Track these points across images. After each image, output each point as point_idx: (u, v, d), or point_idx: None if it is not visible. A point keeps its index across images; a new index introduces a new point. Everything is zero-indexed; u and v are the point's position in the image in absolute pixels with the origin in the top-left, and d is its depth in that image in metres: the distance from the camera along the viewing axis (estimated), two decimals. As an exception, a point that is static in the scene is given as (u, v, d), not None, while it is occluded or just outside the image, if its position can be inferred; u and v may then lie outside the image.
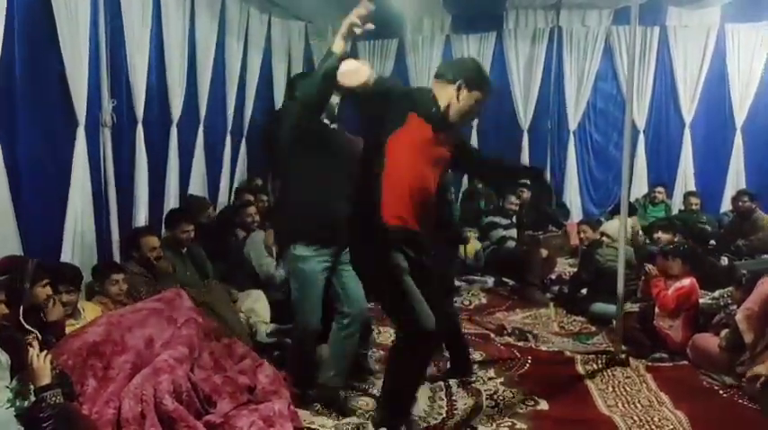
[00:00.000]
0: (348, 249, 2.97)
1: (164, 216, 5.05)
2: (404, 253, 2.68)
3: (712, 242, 5.99)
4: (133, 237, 4.28)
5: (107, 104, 4.31)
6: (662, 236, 5.49)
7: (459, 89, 2.68)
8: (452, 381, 3.74)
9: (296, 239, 3.17)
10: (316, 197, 3.12)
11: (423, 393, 3.44)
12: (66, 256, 3.89)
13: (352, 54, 8.09)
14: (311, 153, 3.12)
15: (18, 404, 2.35)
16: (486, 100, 2.78)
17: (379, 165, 2.63)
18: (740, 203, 6.24)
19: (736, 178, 7.43)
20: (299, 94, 3.06)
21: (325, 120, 3.17)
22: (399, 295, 2.64)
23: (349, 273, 3.09)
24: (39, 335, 2.81)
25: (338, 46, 2.69)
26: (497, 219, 6.54)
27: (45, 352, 2.51)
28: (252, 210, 5.41)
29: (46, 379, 2.43)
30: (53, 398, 2.39)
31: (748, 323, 3.60)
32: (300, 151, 3.14)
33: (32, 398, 2.38)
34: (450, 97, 2.69)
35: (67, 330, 3.14)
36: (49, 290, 3.01)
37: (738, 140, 7.45)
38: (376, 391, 3.49)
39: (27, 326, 2.78)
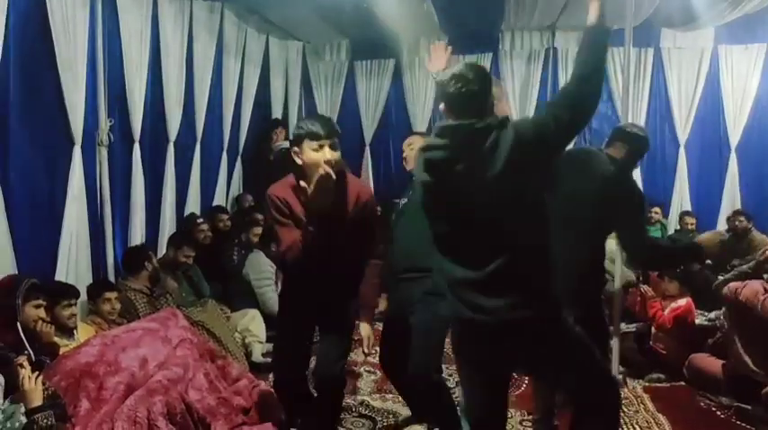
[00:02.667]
0: None
1: (160, 234, 5.06)
2: None
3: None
4: (146, 252, 4.28)
5: (104, 124, 4.32)
6: None
7: None
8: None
9: None
10: None
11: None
12: (60, 275, 3.87)
13: (350, 74, 8.17)
14: None
15: (9, 426, 2.33)
16: None
17: None
18: (736, 223, 6.24)
19: (731, 198, 7.42)
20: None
21: None
22: None
23: None
24: (32, 355, 2.79)
25: None
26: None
27: (37, 373, 2.49)
28: (258, 230, 5.42)
29: (37, 400, 2.41)
30: (45, 420, 2.37)
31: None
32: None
33: (24, 420, 2.36)
34: None
35: (61, 351, 3.11)
36: (42, 312, 3.00)
37: (733, 160, 7.46)
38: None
39: (26, 344, 2.77)
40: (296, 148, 2.72)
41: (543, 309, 2.11)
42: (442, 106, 2.20)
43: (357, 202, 2.75)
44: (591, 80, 2.10)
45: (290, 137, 7.48)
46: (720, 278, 4.01)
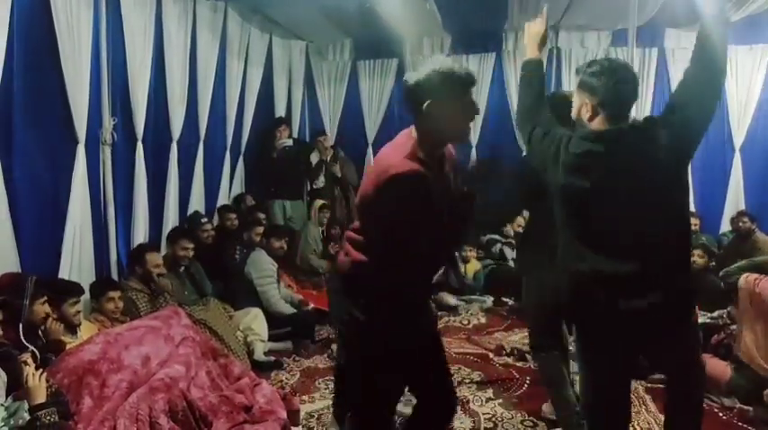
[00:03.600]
0: None
1: (163, 233, 5.08)
2: None
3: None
4: (138, 253, 4.30)
5: (108, 122, 4.34)
6: None
7: None
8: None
9: None
10: None
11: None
12: (64, 273, 3.88)
13: (353, 73, 8.14)
14: None
15: (13, 423, 2.34)
16: None
17: None
18: (740, 224, 6.24)
19: (735, 199, 7.41)
20: None
21: None
22: None
23: None
24: (37, 353, 2.81)
25: None
26: (497, 237, 7.02)
27: (41, 370, 2.51)
28: (260, 229, 5.45)
29: (41, 397, 2.42)
30: (48, 417, 2.38)
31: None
32: None
33: (27, 417, 2.37)
34: None
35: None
36: (47, 308, 3.02)
37: (737, 161, 7.44)
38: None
39: (27, 344, 2.79)
40: (431, 102, 2.08)
41: (684, 297, 2.24)
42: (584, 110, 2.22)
43: None
44: (713, 62, 2.14)
45: (294, 135, 7.53)
46: (733, 267, 4.01)
